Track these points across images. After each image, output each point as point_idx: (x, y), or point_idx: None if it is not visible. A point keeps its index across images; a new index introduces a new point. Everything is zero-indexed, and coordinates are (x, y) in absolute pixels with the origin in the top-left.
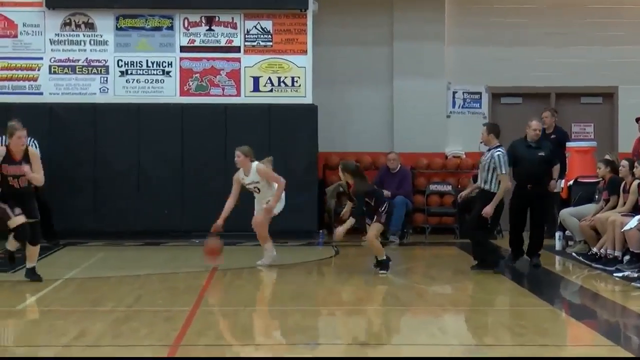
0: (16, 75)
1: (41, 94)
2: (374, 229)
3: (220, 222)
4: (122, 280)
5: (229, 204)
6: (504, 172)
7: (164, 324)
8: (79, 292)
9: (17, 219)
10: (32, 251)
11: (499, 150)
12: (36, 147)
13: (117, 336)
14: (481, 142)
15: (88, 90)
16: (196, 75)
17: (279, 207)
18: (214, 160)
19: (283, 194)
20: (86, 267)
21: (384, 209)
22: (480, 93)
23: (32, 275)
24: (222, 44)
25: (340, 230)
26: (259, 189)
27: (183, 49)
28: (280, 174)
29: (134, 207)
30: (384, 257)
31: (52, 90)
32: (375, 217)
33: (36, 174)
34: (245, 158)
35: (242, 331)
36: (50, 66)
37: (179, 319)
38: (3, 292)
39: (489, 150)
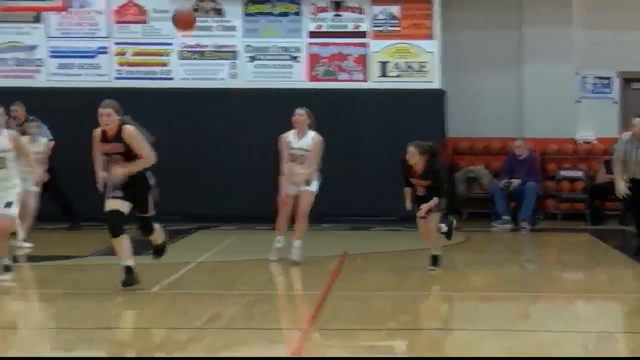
0: (147, 61)
1: (172, 79)
2: (436, 219)
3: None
4: (253, 264)
5: (285, 168)
6: None
7: (296, 307)
8: (211, 275)
9: (109, 203)
10: (117, 245)
11: None
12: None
13: (250, 319)
14: (631, 134)
15: (217, 76)
16: (323, 60)
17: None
18: (342, 144)
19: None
20: (218, 251)
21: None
22: (610, 78)
23: (128, 278)
24: (349, 29)
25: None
26: (306, 159)
27: (310, 34)
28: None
29: (264, 191)
30: (439, 253)
31: (182, 75)
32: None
33: (142, 158)
34: (307, 119)
35: (374, 316)
36: (179, 52)
37: (310, 303)
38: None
39: None
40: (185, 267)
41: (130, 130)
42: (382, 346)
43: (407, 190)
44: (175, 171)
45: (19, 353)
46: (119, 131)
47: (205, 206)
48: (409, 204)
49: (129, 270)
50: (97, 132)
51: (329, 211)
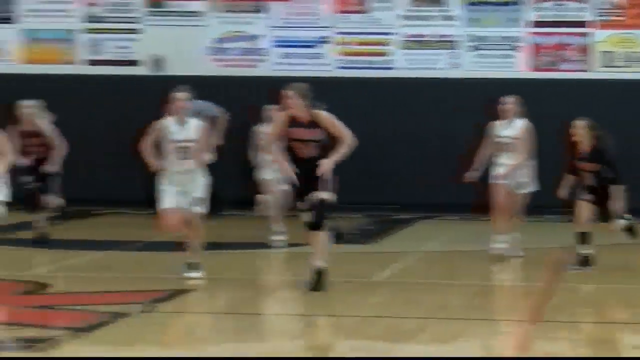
0: (368, 51)
1: (391, 68)
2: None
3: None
4: (475, 254)
5: (484, 153)
6: None
7: (522, 299)
8: (435, 265)
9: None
10: (314, 241)
11: None
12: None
13: (474, 310)
14: None
15: (437, 65)
16: (545, 50)
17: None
18: (553, 135)
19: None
20: (442, 241)
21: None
22: None
23: (318, 279)
24: (571, 18)
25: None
26: (514, 147)
27: (531, 24)
28: (622, 150)
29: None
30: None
31: (403, 65)
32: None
33: (344, 141)
34: (515, 108)
35: (600, 309)
36: (400, 41)
37: (534, 295)
38: (360, 264)
39: None
40: (408, 257)
41: (327, 115)
42: (608, 339)
43: (568, 177)
44: (400, 161)
45: (225, 340)
46: (312, 117)
47: (426, 195)
48: (562, 191)
49: (318, 272)
50: (284, 114)
51: (552, 202)
